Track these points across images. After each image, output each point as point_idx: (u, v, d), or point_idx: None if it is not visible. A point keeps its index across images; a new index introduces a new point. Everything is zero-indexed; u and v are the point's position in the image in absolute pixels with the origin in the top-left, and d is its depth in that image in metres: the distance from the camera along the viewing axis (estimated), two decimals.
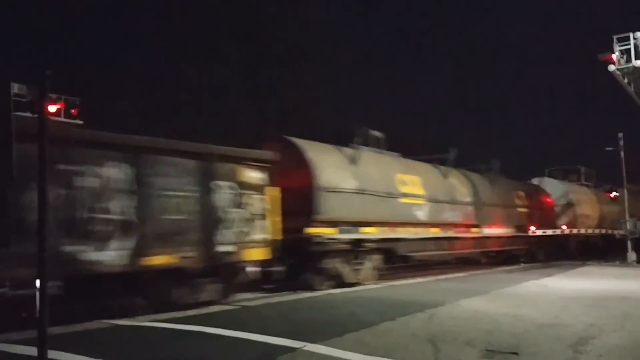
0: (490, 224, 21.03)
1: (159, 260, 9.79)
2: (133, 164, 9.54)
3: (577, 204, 28.49)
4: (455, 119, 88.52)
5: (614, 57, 19.08)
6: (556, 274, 18.45)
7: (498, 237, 21.77)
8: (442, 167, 20.04)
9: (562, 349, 6.92)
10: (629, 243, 25.77)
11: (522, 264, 23.68)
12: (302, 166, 13.86)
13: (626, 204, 26.88)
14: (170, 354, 6.79)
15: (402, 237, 16.36)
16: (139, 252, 9.50)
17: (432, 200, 17.92)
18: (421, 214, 17.44)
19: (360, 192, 15.16)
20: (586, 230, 28.51)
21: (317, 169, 14.02)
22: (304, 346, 6.93)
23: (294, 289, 13.35)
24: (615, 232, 27.00)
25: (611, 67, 19.27)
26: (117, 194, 9.35)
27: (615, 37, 19.26)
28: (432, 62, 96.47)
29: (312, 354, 6.68)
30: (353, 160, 15.53)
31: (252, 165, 11.74)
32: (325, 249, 13.88)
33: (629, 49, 19.04)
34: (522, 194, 25.07)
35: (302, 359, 6.52)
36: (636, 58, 19.05)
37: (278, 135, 14.81)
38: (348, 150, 15.92)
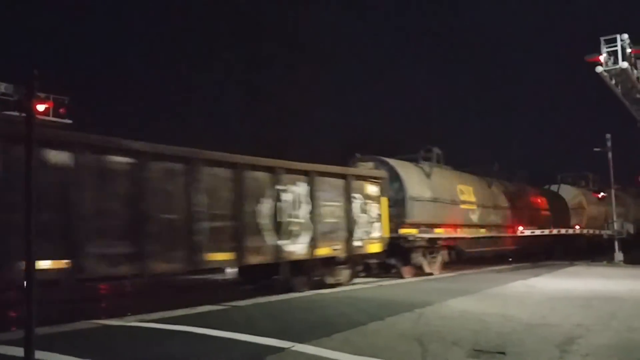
0: (521, 224, 24.67)
1: (322, 251, 13.86)
2: (309, 183, 13.56)
3: (587, 206, 32.47)
4: (454, 120, 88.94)
5: (602, 58, 19.21)
6: (544, 274, 18.56)
7: (526, 236, 24.92)
8: (487, 178, 24.20)
9: (548, 349, 6.96)
10: (616, 243, 25.93)
11: (511, 264, 23.95)
12: (395, 180, 17.75)
13: (613, 204, 27.11)
14: (159, 354, 6.78)
15: (462, 236, 20.58)
16: (313, 245, 13.49)
17: (481, 205, 22.19)
18: (474, 217, 21.67)
19: (434, 200, 19.22)
20: (596, 231, 30.58)
21: (406, 183, 18.07)
22: (293, 346, 6.95)
23: (384, 276, 17.08)
24: (603, 232, 27.21)
25: (599, 69, 19.41)
26: (302, 204, 13.37)
27: (602, 38, 19.39)
28: (431, 63, 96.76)
29: (301, 353, 6.70)
30: (428, 175, 19.62)
31: (372, 181, 15.83)
32: (411, 246, 17.83)
33: (616, 51, 19.19)
34: (544, 199, 29.45)
35: (290, 359, 6.53)
36: (623, 60, 19.20)
37: (371, 155, 18.68)
38: (424, 166, 19.97)
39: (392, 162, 18.38)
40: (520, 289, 14.00)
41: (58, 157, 8.92)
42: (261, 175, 12.47)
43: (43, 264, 8.31)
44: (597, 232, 29.44)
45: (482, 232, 21.88)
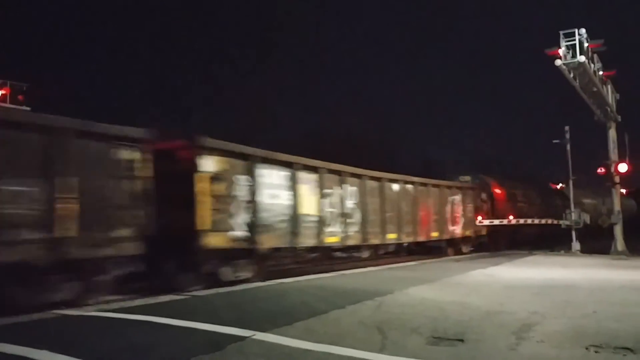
0: (544, 217, 31.34)
1: (468, 232, 25.15)
2: (462, 194, 24.99)
3: (584, 200, 38.34)
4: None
5: (561, 52, 19.54)
6: (503, 263, 18.91)
7: (547, 224, 30.92)
8: (528, 185, 35.29)
9: (505, 336, 7.10)
10: (573, 233, 26.50)
11: (471, 253, 24.49)
12: (490, 188, 28.68)
13: (571, 195, 27.67)
14: (118, 344, 6.72)
15: (519, 223, 28.58)
16: (464, 229, 24.61)
17: (527, 203, 32.84)
18: (524, 212, 30.71)
19: (507, 200, 30.03)
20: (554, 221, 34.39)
21: (496, 191, 29.24)
22: (254, 335, 6.95)
23: (475, 251, 25.90)
24: (561, 222, 27.73)
25: (557, 62, 19.73)
26: (459, 206, 24.36)
27: (561, 32, 19.71)
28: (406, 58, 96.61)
29: (262, 342, 6.71)
30: (502, 184, 30.42)
31: (479, 191, 27.16)
32: (496, 230, 27.53)
33: (575, 45, 19.53)
34: (554, 196, 38.28)
35: (251, 347, 6.53)
36: (581, 54, 19.55)
37: (469, 171, 29.31)
38: (500, 178, 31.59)
39: (483, 176, 29.13)
40: (479, 277, 14.24)
41: (396, 187, 20.10)
42: (447, 190, 23.73)
43: (392, 236, 19.57)
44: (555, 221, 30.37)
45: (529, 222, 29.40)
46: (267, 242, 13.69)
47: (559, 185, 35.90)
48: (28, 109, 23.27)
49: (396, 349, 6.45)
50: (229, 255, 12.67)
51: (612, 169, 25.10)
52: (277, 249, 14.39)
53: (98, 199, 9.99)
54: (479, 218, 26.32)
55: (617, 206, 25.87)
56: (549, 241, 29.39)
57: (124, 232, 10.30)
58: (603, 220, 34.25)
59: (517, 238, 29.57)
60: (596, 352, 6.31)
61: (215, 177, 12.28)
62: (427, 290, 11.41)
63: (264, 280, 12.96)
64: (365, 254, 18.85)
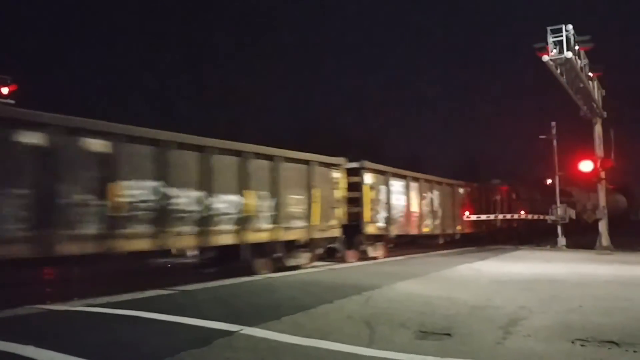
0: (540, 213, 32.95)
1: (504, 225, 31.02)
2: (505, 194, 32.31)
3: (582, 197, 42.47)
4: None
5: (548, 47, 19.59)
6: (490, 258, 19.00)
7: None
8: (532, 186, 39.63)
9: (492, 330, 7.13)
10: (559, 228, 26.67)
11: (458, 248, 24.62)
12: (517, 189, 33.89)
13: (557, 190, 27.83)
14: (105, 339, 6.67)
15: (533, 218, 31.04)
16: (502, 222, 30.63)
17: (535, 200, 35.68)
18: (534, 209, 33.50)
19: (526, 199, 35.16)
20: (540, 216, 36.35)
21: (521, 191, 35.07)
22: (241, 330, 6.93)
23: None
24: (547, 217, 27.91)
25: (545, 58, 19.80)
26: (505, 204, 32.20)
27: (549, 28, 19.77)
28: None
29: (249, 337, 6.69)
30: (521, 185, 36.34)
31: (511, 192, 32.58)
32: (519, 224, 32.91)
33: (562, 41, 19.60)
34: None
35: (239, 342, 6.51)
36: (567, 50, 19.63)
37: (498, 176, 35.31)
38: (521, 181, 38.40)
39: (509, 179, 35.24)
40: (466, 272, 14.30)
41: (461, 190, 26.50)
42: (491, 192, 30.16)
43: (459, 228, 25.88)
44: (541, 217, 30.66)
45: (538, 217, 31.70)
46: (393, 230, 19.91)
47: (548, 182, 36.20)
48: (12, 102, 23.03)
49: (384, 343, 6.45)
50: (374, 239, 18.68)
51: (598, 165, 25.22)
52: (398, 236, 20.39)
53: (325, 201, 15.97)
54: (467, 213, 26.75)
55: (602, 202, 26.04)
56: (548, 235, 30.02)
57: (334, 222, 16.42)
58: (588, 215, 34.65)
59: (539, 230, 32.61)
60: (582, 345, 6.36)
61: (371, 187, 18.37)
62: (415, 285, 11.44)
63: (387, 257, 18.97)
64: (441, 241, 24.32)
